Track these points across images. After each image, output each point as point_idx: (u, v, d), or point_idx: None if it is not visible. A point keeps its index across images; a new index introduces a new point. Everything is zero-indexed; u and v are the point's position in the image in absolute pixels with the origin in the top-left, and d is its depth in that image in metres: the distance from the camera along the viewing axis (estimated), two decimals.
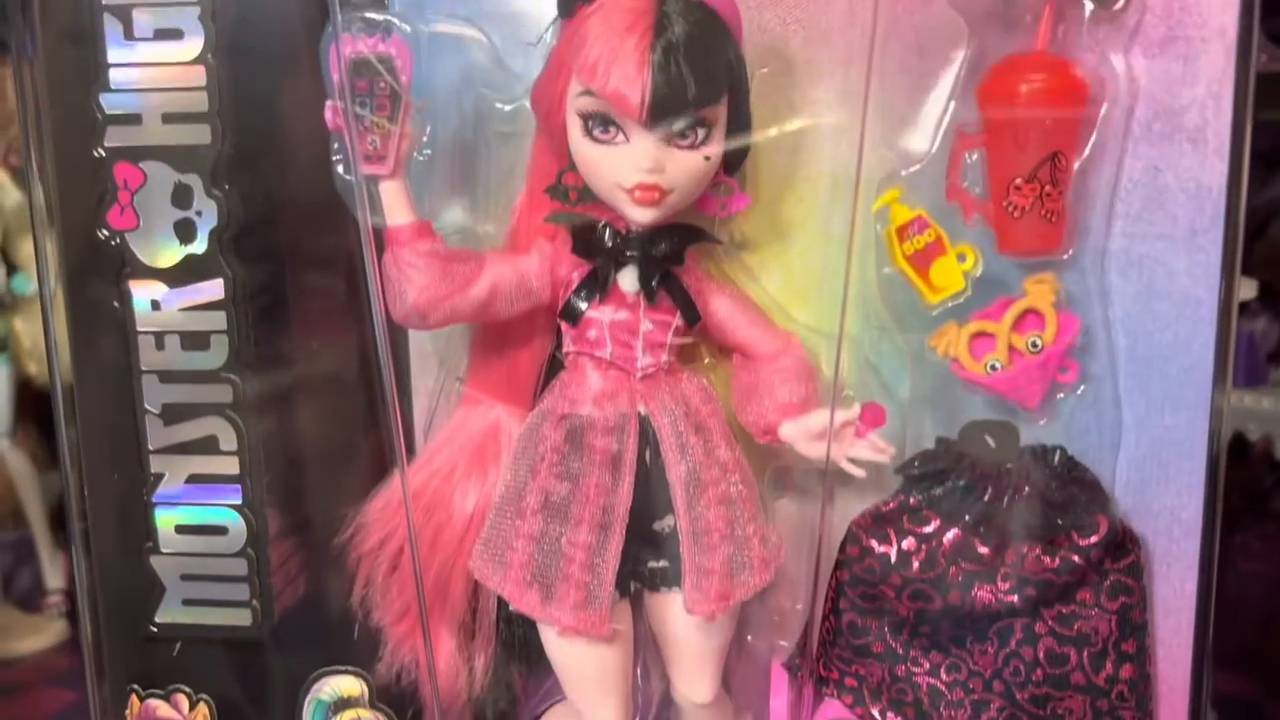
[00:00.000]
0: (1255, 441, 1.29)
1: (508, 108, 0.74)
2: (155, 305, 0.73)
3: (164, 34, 0.70)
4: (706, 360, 0.77)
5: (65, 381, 0.75)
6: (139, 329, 0.73)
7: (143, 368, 0.74)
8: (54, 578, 1.94)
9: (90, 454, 0.76)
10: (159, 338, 0.73)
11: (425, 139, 0.71)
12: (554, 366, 0.74)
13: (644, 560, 0.72)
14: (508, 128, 0.75)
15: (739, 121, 0.69)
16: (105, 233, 0.72)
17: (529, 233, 0.73)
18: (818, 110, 0.73)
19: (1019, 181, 0.67)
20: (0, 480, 1.96)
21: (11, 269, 1.84)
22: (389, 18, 0.68)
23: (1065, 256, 0.69)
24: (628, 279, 0.70)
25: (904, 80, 0.72)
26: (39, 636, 1.82)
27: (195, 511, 0.76)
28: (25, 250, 1.79)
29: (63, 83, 0.71)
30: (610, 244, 0.69)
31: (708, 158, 0.67)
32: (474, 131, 0.75)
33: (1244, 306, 1.39)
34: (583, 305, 0.70)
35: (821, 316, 0.75)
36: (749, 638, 0.80)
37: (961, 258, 0.70)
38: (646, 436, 0.70)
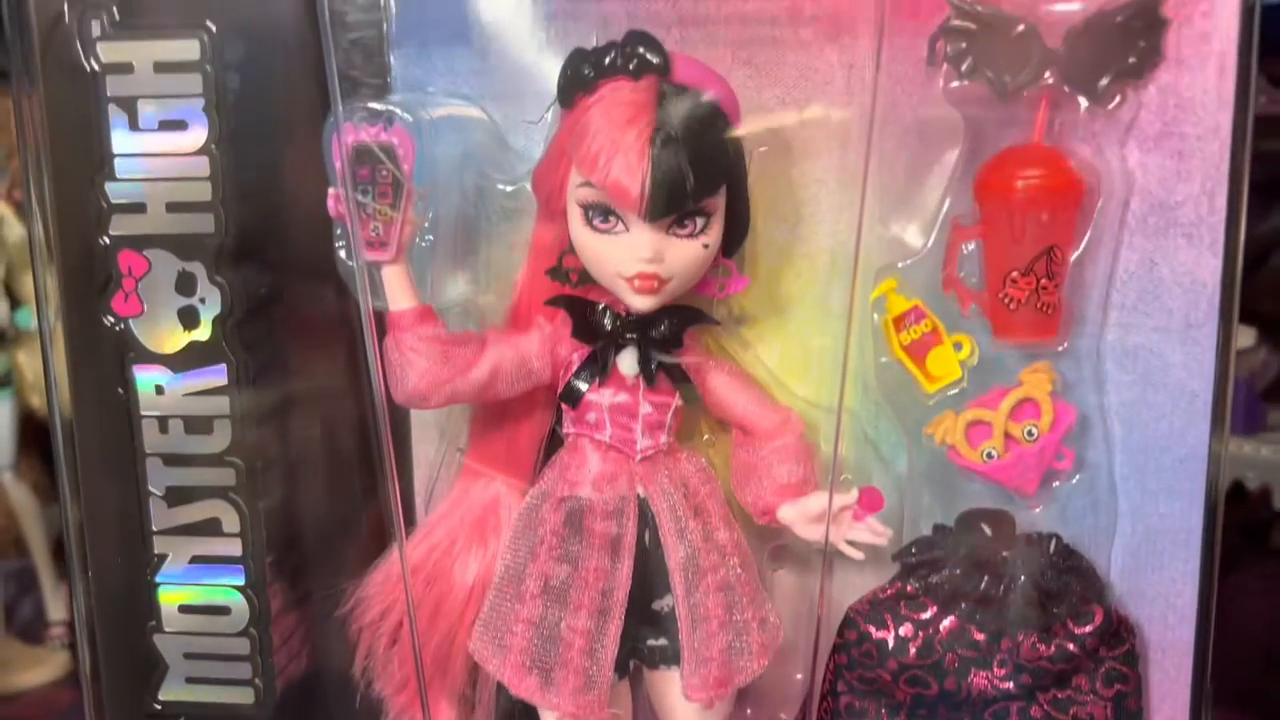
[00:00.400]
0: (1253, 490, 1.30)
1: (509, 188, 0.75)
2: (159, 390, 0.74)
3: (168, 125, 0.71)
4: (705, 436, 0.78)
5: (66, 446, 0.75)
6: (143, 413, 0.74)
7: (147, 450, 0.75)
8: (56, 609, 1.95)
9: (94, 534, 0.77)
10: (163, 422, 0.74)
11: (427, 224, 0.72)
12: (554, 440, 0.75)
13: (643, 639, 0.73)
14: (510, 204, 0.75)
15: (737, 207, 0.69)
16: (110, 319, 0.73)
17: (530, 311, 0.73)
18: (816, 189, 0.74)
19: (1015, 275, 0.68)
20: (2, 511, 1.96)
21: (15, 303, 1.85)
22: (391, 108, 0.68)
23: (1061, 348, 0.70)
24: (627, 362, 0.70)
25: (902, 160, 0.73)
26: (42, 669, 1.82)
27: (198, 591, 0.77)
28: (29, 284, 1.80)
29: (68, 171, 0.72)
30: (610, 327, 0.70)
31: (706, 246, 0.68)
32: (476, 207, 0.75)
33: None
34: (583, 387, 0.71)
35: (820, 390, 0.76)
36: (749, 711, 0.80)
37: (958, 346, 0.71)
38: (646, 518, 0.71)
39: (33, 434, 1.91)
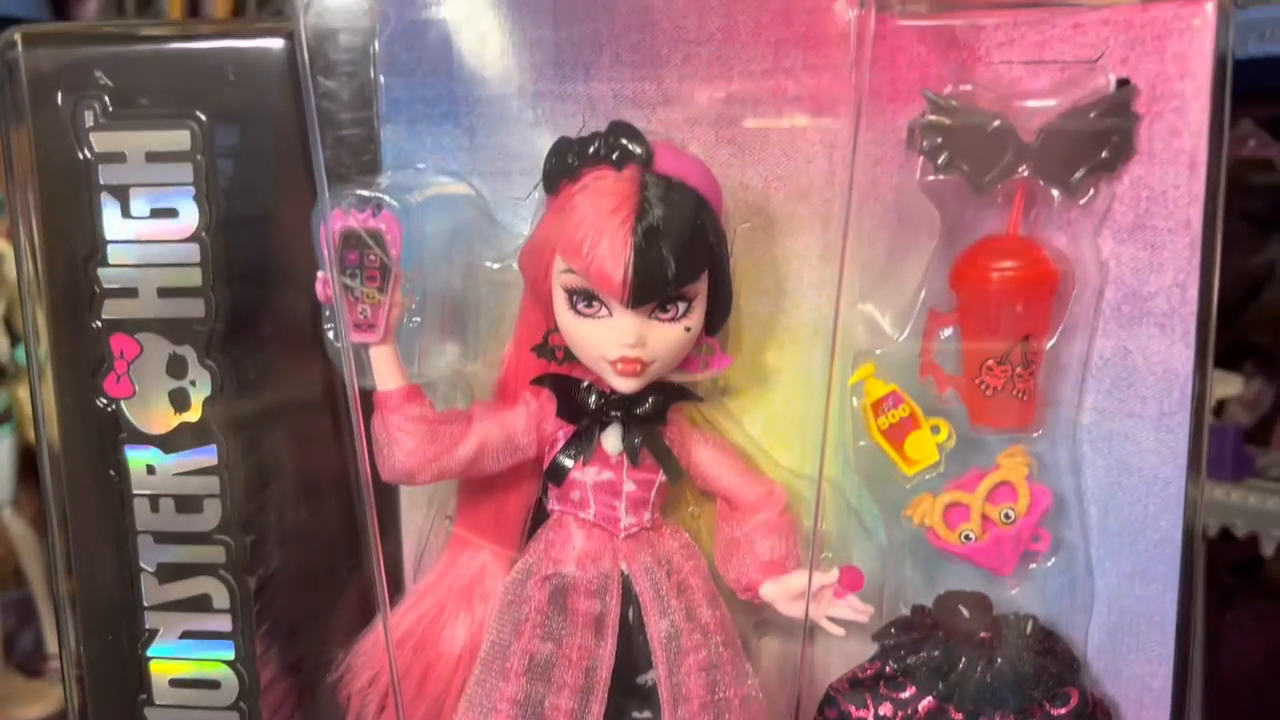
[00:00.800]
0: (1241, 538, 1.31)
1: (496, 266, 0.76)
2: (150, 469, 0.75)
3: (160, 212, 0.72)
4: (691, 508, 0.79)
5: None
6: (135, 492, 0.75)
7: (138, 528, 0.76)
8: (55, 641, 1.95)
9: (86, 607, 0.78)
10: (154, 500, 0.75)
11: (414, 306, 0.73)
12: (541, 509, 0.76)
13: (628, 712, 0.74)
14: (498, 278, 0.77)
15: (720, 290, 0.70)
16: (102, 400, 0.74)
17: (517, 385, 0.75)
18: (799, 264, 0.75)
19: (991, 363, 0.69)
20: (2, 543, 1.98)
21: (15, 339, 1.86)
22: (379, 195, 0.69)
23: (1036, 434, 0.71)
24: (611, 440, 0.72)
25: (882, 237, 0.74)
26: (41, 704, 1.83)
27: (189, 665, 0.78)
28: None
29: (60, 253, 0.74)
30: (595, 406, 0.71)
31: (688, 329, 0.69)
32: (464, 281, 0.76)
33: (1222, 405, 1.41)
34: (568, 465, 0.72)
35: (804, 460, 0.77)
36: None
37: (935, 430, 0.72)
38: (630, 595, 0.72)
39: (31, 467, 1.92)
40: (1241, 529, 1.30)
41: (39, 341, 0.75)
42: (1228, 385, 1.32)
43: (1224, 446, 1.33)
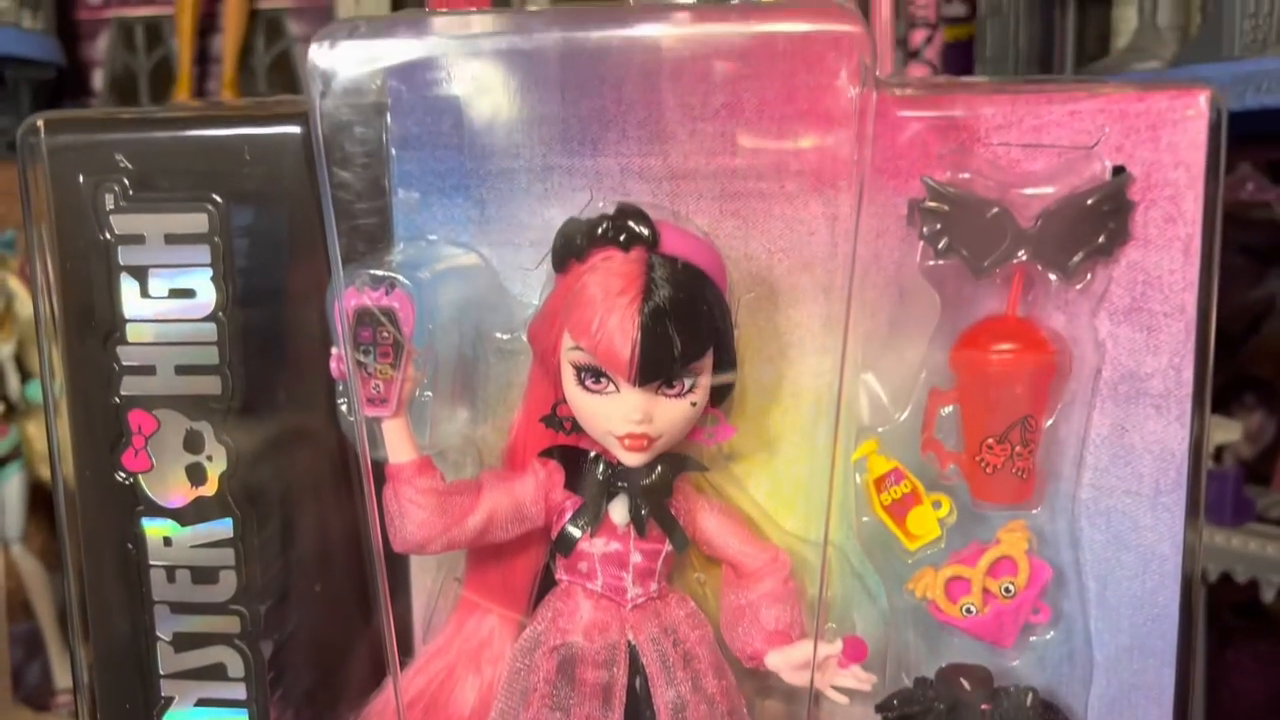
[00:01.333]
0: (1241, 585, 1.32)
1: (506, 336, 0.78)
2: (167, 541, 0.77)
3: (178, 293, 0.74)
4: (696, 575, 0.80)
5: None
6: (151, 563, 0.77)
7: (155, 599, 0.77)
8: (63, 676, 1.96)
9: (103, 674, 0.79)
10: (170, 572, 0.77)
11: (426, 380, 0.74)
12: (549, 574, 0.77)
13: None
14: (507, 346, 0.78)
15: (724, 364, 0.72)
16: (121, 474, 0.76)
17: (525, 453, 0.76)
18: (801, 333, 0.77)
19: (991, 441, 0.70)
20: (11, 577, 1.99)
21: (26, 376, 1.88)
22: (392, 274, 0.71)
23: (1036, 510, 0.72)
24: (618, 511, 0.73)
25: (884, 309, 0.75)
26: None
27: None
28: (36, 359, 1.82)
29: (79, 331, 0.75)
30: (602, 477, 0.73)
31: (694, 404, 0.71)
32: (475, 348, 0.78)
33: (1221, 451, 1.41)
34: (576, 535, 0.73)
35: (808, 525, 0.78)
36: None
37: (937, 505, 0.73)
38: (636, 665, 0.73)
39: (40, 502, 1.93)
40: (1242, 574, 1.31)
41: (57, 416, 0.76)
42: (1227, 431, 1.33)
43: (1224, 492, 1.34)
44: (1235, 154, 1.57)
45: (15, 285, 1.85)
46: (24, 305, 1.85)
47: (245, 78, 1.93)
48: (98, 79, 2.00)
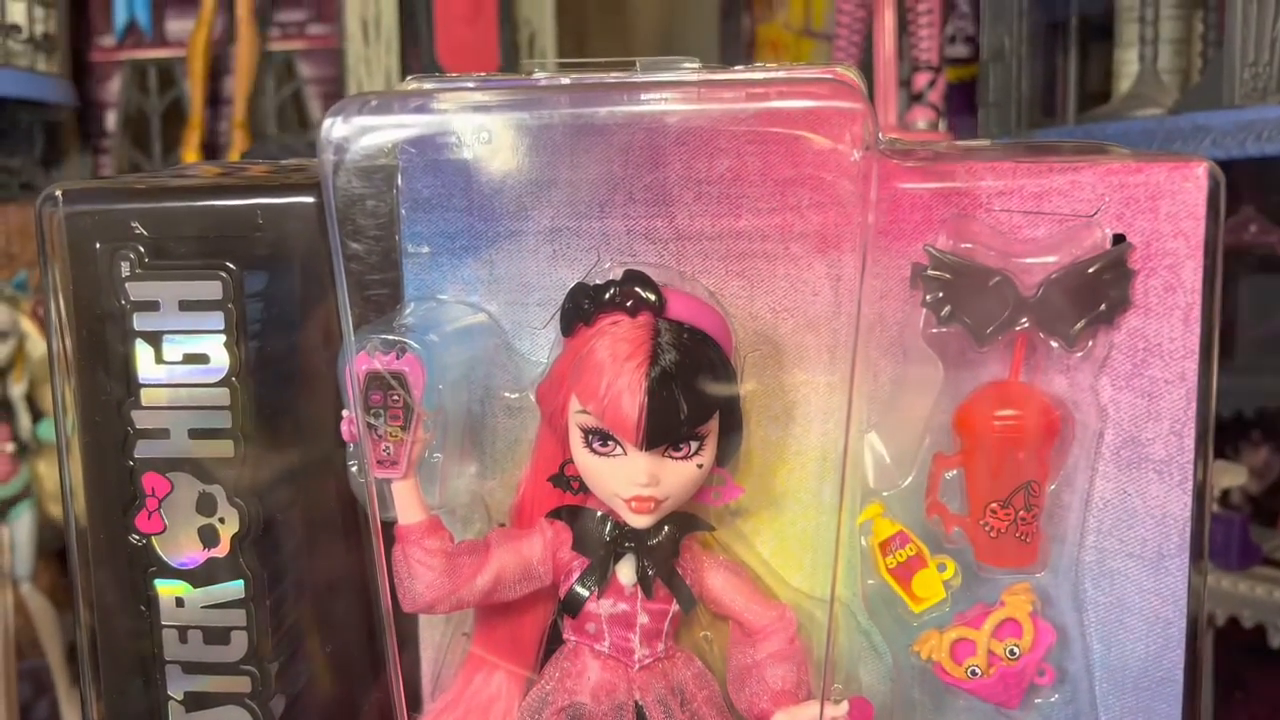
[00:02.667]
0: (1248, 630, 1.32)
1: (514, 395, 0.79)
2: (180, 602, 0.77)
3: (192, 358, 0.75)
4: (703, 633, 0.80)
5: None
6: (164, 623, 0.78)
7: (167, 658, 0.78)
8: (70, 714, 1.97)
9: None
10: (182, 632, 0.78)
11: (436, 442, 0.75)
12: (556, 630, 0.78)
13: None
14: (515, 404, 0.79)
15: (730, 426, 0.73)
16: (135, 536, 0.77)
17: (533, 510, 0.77)
18: (807, 391, 0.78)
19: (994, 506, 0.71)
20: (20, 614, 1.99)
21: (37, 415, 1.89)
22: (402, 339, 0.72)
23: (1040, 574, 0.73)
24: (626, 571, 0.74)
25: (887, 369, 0.76)
26: None
27: None
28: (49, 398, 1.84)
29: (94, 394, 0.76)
30: (609, 538, 0.74)
31: (700, 465, 0.71)
32: (484, 405, 0.79)
33: (1227, 494, 1.42)
34: (584, 596, 0.74)
35: (815, 581, 0.79)
36: None
37: (942, 568, 0.74)
38: None
39: (52, 540, 1.94)
40: (1249, 619, 1.31)
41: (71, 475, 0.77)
42: (1233, 476, 1.33)
43: (1229, 536, 1.35)
44: (1237, 198, 1.59)
45: (28, 326, 1.86)
46: (36, 345, 1.86)
47: (256, 119, 1.96)
48: (111, 120, 2.03)
